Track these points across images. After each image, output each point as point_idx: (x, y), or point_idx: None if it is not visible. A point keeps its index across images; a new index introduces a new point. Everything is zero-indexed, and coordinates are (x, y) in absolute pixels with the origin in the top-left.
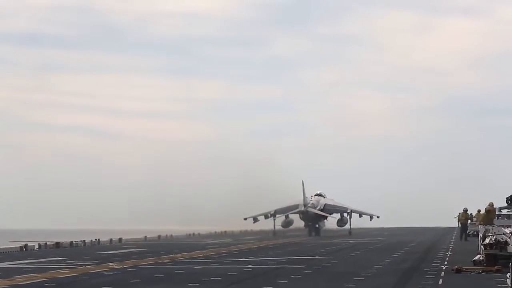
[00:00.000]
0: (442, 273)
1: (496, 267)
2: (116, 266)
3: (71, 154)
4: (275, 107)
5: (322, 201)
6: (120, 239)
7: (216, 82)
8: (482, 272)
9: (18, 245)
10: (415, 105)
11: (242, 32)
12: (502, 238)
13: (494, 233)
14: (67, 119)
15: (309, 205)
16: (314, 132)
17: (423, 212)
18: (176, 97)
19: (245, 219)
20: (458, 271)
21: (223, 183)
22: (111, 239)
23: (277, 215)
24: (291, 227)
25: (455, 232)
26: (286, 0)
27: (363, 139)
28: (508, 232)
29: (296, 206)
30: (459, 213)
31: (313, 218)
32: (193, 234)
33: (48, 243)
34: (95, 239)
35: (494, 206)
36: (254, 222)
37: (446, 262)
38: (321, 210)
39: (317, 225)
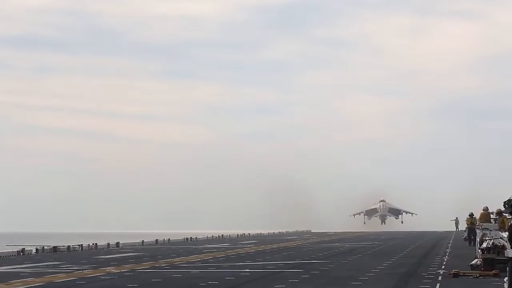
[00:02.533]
0: (440, 278)
1: (493, 272)
2: (114, 271)
3: (68, 157)
4: (271, 110)
5: (387, 205)
6: (117, 243)
7: (212, 85)
8: (479, 276)
9: (15, 249)
10: (411, 108)
11: (238, 36)
12: (499, 243)
13: (492, 237)
14: (63, 122)
15: (383, 209)
16: (310, 135)
17: (420, 215)
18: (171, 100)
19: (350, 215)
20: (456, 275)
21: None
22: (108, 243)
23: (363, 214)
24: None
25: (453, 236)
26: (282, 3)
27: (359, 142)
28: (506, 236)
29: (376, 210)
30: (456, 218)
31: (384, 216)
32: (191, 238)
33: (45, 247)
34: (93, 244)
35: (489, 210)
36: (354, 217)
37: (443, 267)
38: (387, 211)
39: (385, 219)
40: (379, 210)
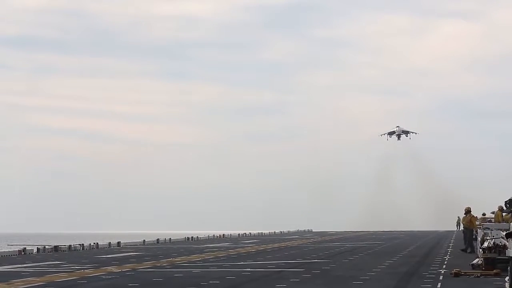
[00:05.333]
0: (441, 277)
1: (494, 271)
2: (115, 270)
3: (67, 157)
4: (270, 110)
5: (401, 128)
6: (118, 243)
7: (210, 86)
8: (480, 276)
9: (16, 248)
10: (411, 108)
11: (236, 36)
12: (500, 242)
13: (493, 236)
14: (63, 123)
15: (398, 130)
16: (310, 135)
17: (421, 215)
18: (171, 100)
19: (379, 135)
20: (457, 275)
21: None
22: (109, 243)
23: (387, 134)
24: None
25: (454, 236)
26: (281, 3)
27: (359, 143)
28: None
29: (394, 131)
30: (458, 217)
31: (400, 135)
32: (192, 238)
33: (46, 247)
34: (94, 243)
35: (494, 211)
36: (381, 136)
37: (444, 266)
38: (401, 132)
39: (400, 137)
40: (396, 132)
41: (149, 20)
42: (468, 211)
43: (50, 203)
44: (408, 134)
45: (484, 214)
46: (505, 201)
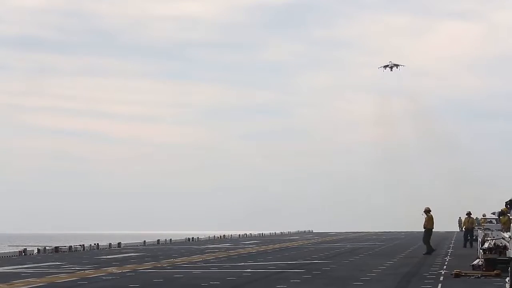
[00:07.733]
0: (441, 278)
1: (495, 272)
2: (115, 271)
3: (67, 157)
4: (269, 111)
5: (393, 62)
6: (119, 244)
7: (210, 86)
8: (481, 276)
9: (16, 249)
10: (411, 108)
11: (236, 36)
12: (501, 243)
13: (493, 237)
14: (63, 123)
15: (391, 64)
16: (310, 135)
17: (421, 216)
18: (171, 101)
19: (378, 68)
20: (457, 275)
21: None
22: (110, 244)
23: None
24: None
25: (454, 237)
26: (280, 4)
27: (358, 143)
28: (507, 236)
29: (388, 65)
30: (460, 218)
31: (392, 67)
32: (192, 238)
33: (47, 247)
34: (94, 244)
35: (495, 211)
36: (378, 69)
37: (445, 267)
38: (393, 65)
39: (392, 69)
40: (389, 65)
41: (149, 20)
42: (428, 211)
43: (50, 203)
44: (398, 67)
45: (484, 215)
46: (506, 202)
